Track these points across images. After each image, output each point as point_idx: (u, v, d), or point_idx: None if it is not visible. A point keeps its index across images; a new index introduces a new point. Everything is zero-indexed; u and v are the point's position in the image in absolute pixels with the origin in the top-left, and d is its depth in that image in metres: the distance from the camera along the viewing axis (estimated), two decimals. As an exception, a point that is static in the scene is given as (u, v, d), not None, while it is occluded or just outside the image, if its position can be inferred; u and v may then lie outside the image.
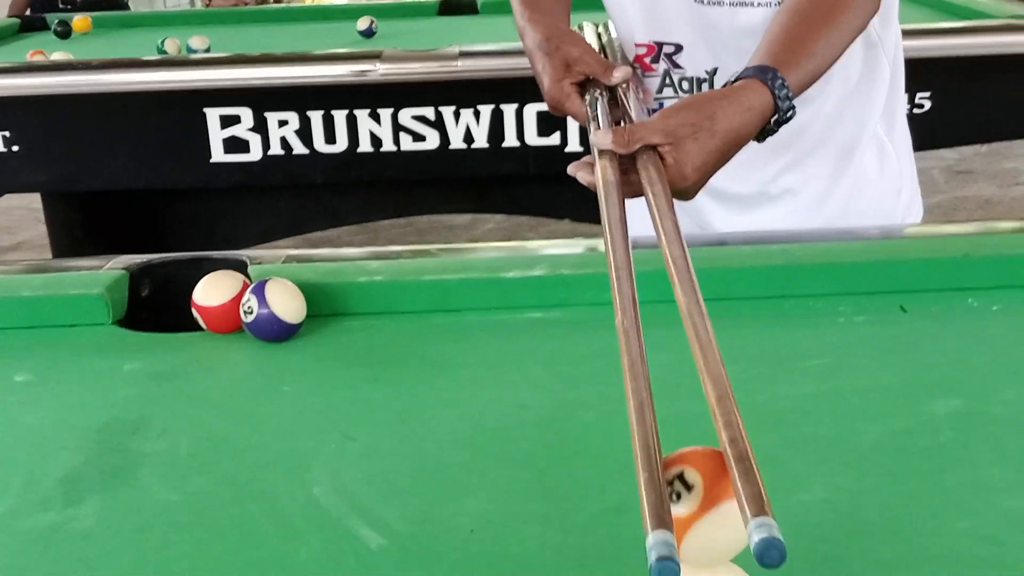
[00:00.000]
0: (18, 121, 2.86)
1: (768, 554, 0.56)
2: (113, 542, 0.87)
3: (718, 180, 1.43)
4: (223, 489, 0.95)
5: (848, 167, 1.59)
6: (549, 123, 2.78)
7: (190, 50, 3.38)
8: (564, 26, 1.51)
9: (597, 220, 1.06)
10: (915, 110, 2.73)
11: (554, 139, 2.81)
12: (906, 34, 2.58)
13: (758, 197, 1.60)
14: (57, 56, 3.31)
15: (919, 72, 2.67)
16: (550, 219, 3.25)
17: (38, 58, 3.34)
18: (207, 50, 3.40)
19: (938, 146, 3.00)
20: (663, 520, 0.60)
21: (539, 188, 3.18)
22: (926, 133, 2.73)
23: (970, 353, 1.17)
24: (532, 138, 2.79)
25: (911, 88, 2.67)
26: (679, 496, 0.65)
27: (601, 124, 1.28)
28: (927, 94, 2.76)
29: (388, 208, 3.25)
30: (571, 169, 1.21)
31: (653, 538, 0.59)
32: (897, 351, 1.17)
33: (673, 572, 0.57)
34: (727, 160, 1.26)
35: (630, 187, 1.15)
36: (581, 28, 1.62)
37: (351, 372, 1.18)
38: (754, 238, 1.46)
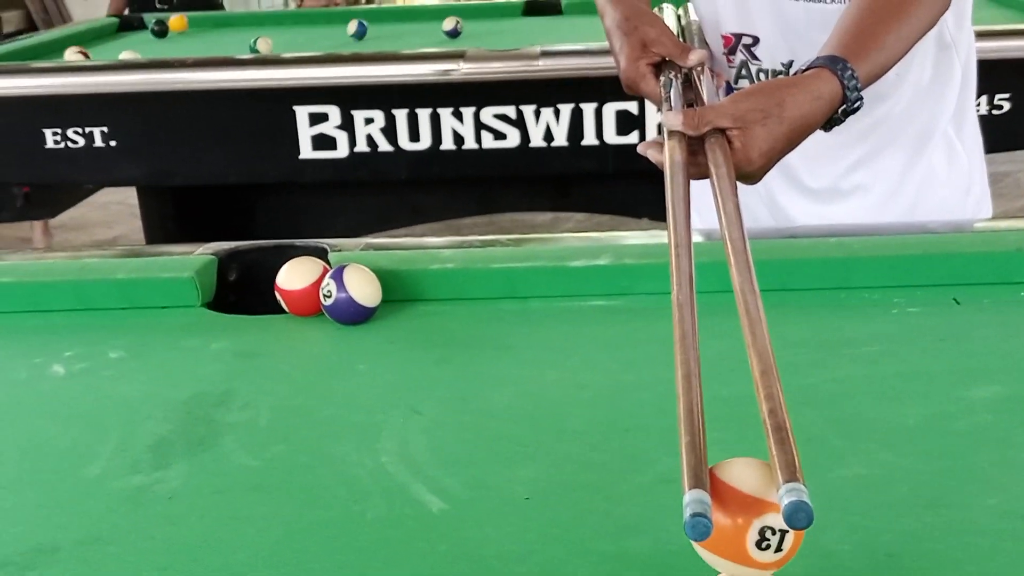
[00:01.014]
0: (116, 117, 2.92)
1: (796, 516, 0.59)
2: (196, 503, 0.91)
3: (793, 170, 1.44)
4: (299, 456, 0.99)
5: (918, 166, 1.58)
6: (628, 122, 2.78)
7: (252, 50, 3.42)
8: (644, 7, 1.51)
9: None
10: (994, 111, 2.69)
11: (632, 138, 2.80)
12: (985, 35, 2.56)
13: (830, 191, 1.60)
14: (125, 55, 3.37)
15: (998, 73, 2.64)
16: (629, 218, 3.24)
17: (78, 57, 3.39)
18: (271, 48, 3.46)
19: (1020, 147, 2.92)
20: (700, 480, 0.63)
21: (619, 187, 3.18)
22: (1007, 134, 2.70)
23: (1017, 343, 1.17)
24: (611, 137, 2.80)
25: (990, 89, 2.65)
26: (767, 546, 0.66)
27: (673, 105, 1.29)
28: (1007, 95, 2.72)
29: (470, 205, 3.25)
30: (641, 148, 1.23)
31: (689, 496, 0.62)
32: (946, 340, 1.17)
33: (705, 528, 0.60)
34: (794, 147, 1.26)
35: (697, 168, 1.15)
36: (661, 10, 1.62)
37: (421, 353, 1.21)
38: (817, 231, 1.46)
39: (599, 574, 0.80)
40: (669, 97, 1.35)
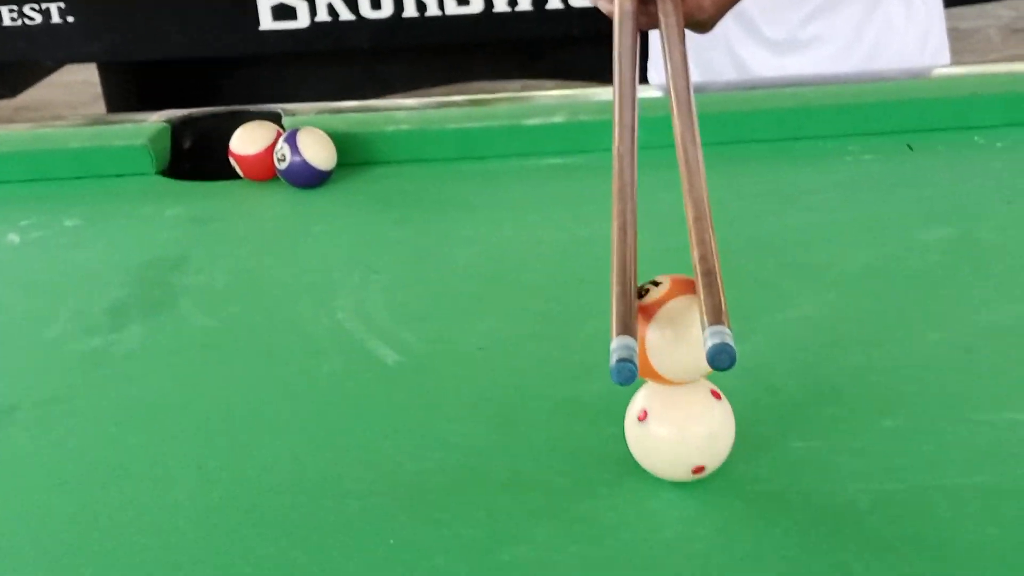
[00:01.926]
0: None
1: (719, 358, 0.60)
2: (153, 362, 0.94)
3: (752, 22, 1.44)
4: (255, 316, 1.02)
5: (875, 15, 1.58)
6: None
7: None
8: None
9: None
10: None
11: None
12: None
13: (789, 42, 1.60)
14: None
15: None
16: (603, 84, 3.23)
17: None
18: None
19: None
20: (628, 327, 0.65)
21: (587, 52, 3.15)
22: None
23: (969, 186, 1.19)
24: None
25: None
26: (647, 292, 0.70)
27: None
28: None
29: (437, 75, 3.22)
30: (600, 2, 1.21)
31: (616, 342, 0.63)
32: (899, 186, 1.19)
33: (631, 372, 0.62)
34: None
35: (647, 18, 1.13)
36: None
37: (378, 215, 1.23)
38: (774, 83, 1.47)
39: (552, 418, 0.81)
40: None
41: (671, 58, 1.02)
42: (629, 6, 1.11)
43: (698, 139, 0.86)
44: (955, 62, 1.59)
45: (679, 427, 0.70)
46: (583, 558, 0.64)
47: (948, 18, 1.71)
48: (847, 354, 0.85)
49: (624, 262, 0.73)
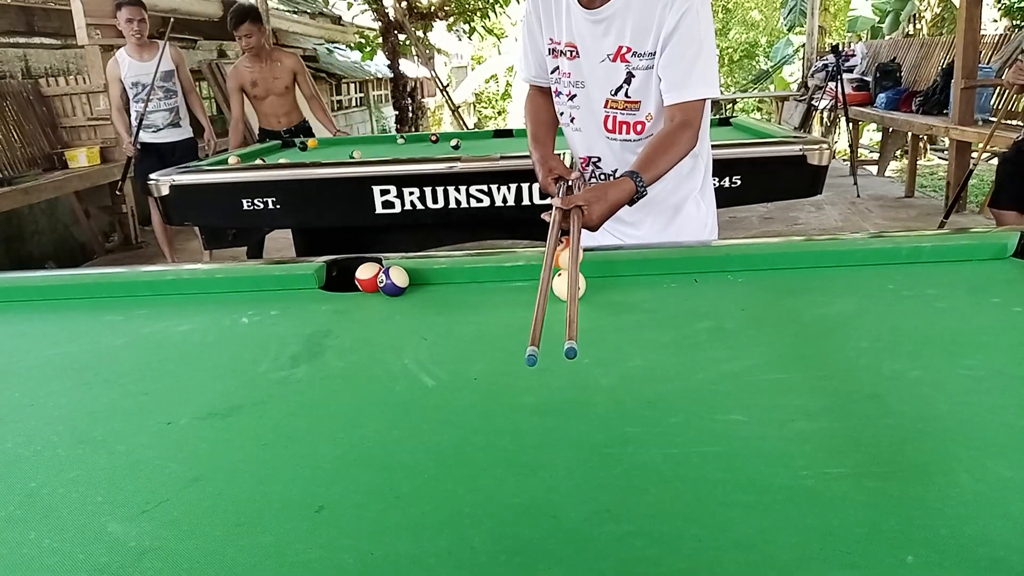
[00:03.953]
0: (279, 191, 2.95)
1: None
2: (312, 385, 0.95)
3: (618, 219, 1.48)
4: (364, 361, 1.03)
5: (679, 214, 1.63)
6: (544, 196, 2.78)
7: (350, 156, 3.38)
8: (550, 152, 1.57)
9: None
10: (731, 184, 2.70)
11: (546, 202, 2.79)
12: (728, 146, 2.61)
13: (635, 225, 1.64)
14: (283, 160, 3.40)
15: (733, 165, 2.70)
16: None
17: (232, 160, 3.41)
18: (361, 155, 3.44)
19: (747, 203, 2.93)
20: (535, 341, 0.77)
21: (544, 227, 3.15)
22: (740, 196, 2.75)
23: (722, 300, 1.17)
24: (536, 200, 2.82)
25: (728, 173, 2.70)
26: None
27: (560, 196, 1.37)
28: (739, 176, 2.74)
29: (467, 237, 3.21)
30: (544, 216, 1.30)
31: (530, 349, 0.76)
32: (689, 300, 1.18)
33: (534, 362, 0.74)
34: (614, 213, 1.34)
35: (565, 223, 1.24)
36: (561, 154, 1.69)
37: (427, 310, 1.21)
38: (624, 246, 1.47)
39: (514, 423, 0.81)
40: (561, 194, 1.42)
41: (574, 239, 1.14)
42: (558, 217, 1.22)
43: (578, 271, 0.99)
44: (723, 237, 1.62)
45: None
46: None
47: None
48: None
49: (538, 311, 0.83)
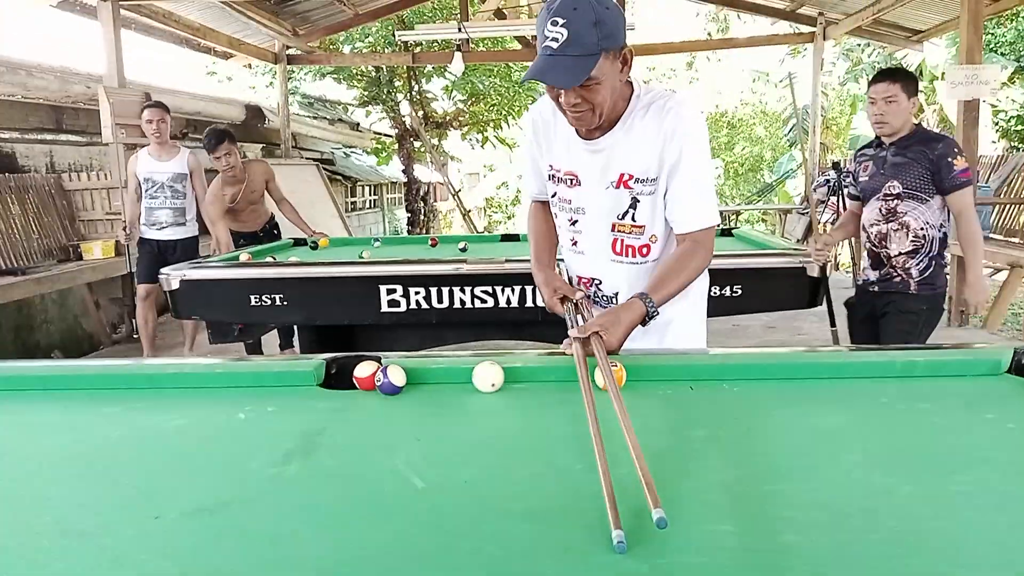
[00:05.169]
0: (286, 288, 3.00)
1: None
2: (303, 482, 0.95)
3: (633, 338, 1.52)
4: (357, 460, 1.02)
5: (671, 326, 1.62)
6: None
7: (359, 257, 3.46)
8: (552, 272, 1.63)
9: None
10: (732, 293, 2.74)
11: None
12: (729, 256, 2.65)
13: (644, 337, 1.60)
14: (293, 259, 3.46)
15: (734, 274, 2.75)
16: (551, 344, 3.24)
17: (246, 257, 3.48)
18: (370, 256, 3.53)
19: (747, 312, 2.96)
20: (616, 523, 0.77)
21: (546, 328, 3.19)
22: (740, 305, 2.78)
23: (717, 406, 1.18)
24: (540, 303, 2.80)
25: (729, 282, 2.74)
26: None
27: (576, 324, 1.41)
28: (739, 286, 2.78)
29: (469, 336, 3.23)
30: (563, 347, 1.34)
31: (615, 534, 0.74)
32: (681, 409, 1.19)
33: (623, 547, 0.73)
34: (629, 334, 1.38)
35: (588, 350, 1.28)
36: (561, 271, 1.73)
37: (423, 409, 1.22)
38: (639, 351, 1.45)
39: (505, 521, 0.82)
40: (571, 316, 1.46)
41: (602, 364, 1.18)
42: (580, 350, 1.25)
43: (623, 406, 1.01)
44: (726, 344, 1.63)
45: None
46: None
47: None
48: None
49: (605, 486, 0.83)
